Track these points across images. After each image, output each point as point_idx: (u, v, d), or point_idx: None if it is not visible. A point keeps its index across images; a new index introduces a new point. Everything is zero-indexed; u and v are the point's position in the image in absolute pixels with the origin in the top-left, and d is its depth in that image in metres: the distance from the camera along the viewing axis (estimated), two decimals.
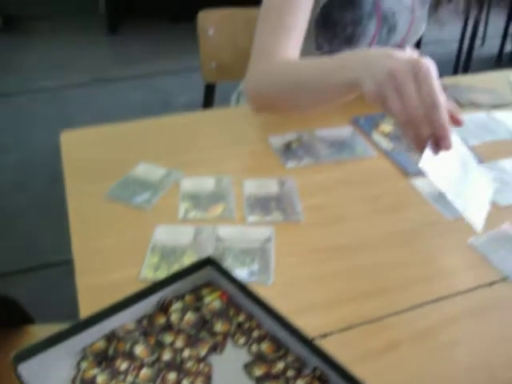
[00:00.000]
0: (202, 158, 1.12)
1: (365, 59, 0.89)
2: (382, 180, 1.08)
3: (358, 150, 1.15)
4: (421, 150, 0.81)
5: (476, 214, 0.89)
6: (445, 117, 0.79)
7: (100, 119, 3.18)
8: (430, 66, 0.81)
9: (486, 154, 1.17)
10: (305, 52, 1.17)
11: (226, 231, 0.92)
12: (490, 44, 4.42)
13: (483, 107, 1.37)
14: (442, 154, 0.82)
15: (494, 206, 1.02)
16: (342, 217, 0.99)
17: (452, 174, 0.85)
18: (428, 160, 0.80)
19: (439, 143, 0.81)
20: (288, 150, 1.13)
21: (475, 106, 1.38)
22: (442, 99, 0.79)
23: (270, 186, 1.03)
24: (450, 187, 0.84)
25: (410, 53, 0.87)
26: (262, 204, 0.99)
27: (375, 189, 1.06)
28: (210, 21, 1.69)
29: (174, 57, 3.98)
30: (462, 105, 1.37)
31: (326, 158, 1.12)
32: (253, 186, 1.03)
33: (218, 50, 1.71)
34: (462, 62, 3.73)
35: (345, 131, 1.21)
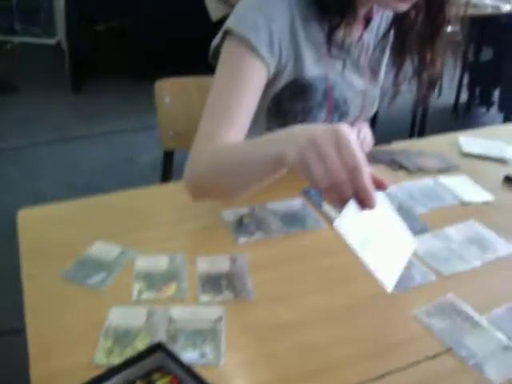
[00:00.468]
0: (156, 234, 1.14)
1: (290, 133, 0.91)
2: (331, 252, 1.11)
3: (308, 223, 1.19)
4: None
5: (388, 274, 0.90)
6: (367, 178, 0.80)
7: (65, 177, 3.23)
8: (351, 132, 0.82)
9: (432, 222, 1.21)
10: (256, 136, 1.18)
11: (178, 312, 0.94)
12: (446, 94, 4.55)
13: (430, 173, 1.42)
14: (363, 214, 0.82)
15: (438, 275, 1.06)
16: (292, 292, 1.01)
17: (370, 235, 0.86)
18: (344, 220, 0.81)
19: (363, 204, 0.82)
20: (240, 225, 1.15)
21: (423, 171, 1.43)
22: (364, 162, 0.81)
23: (222, 264, 1.05)
24: (364, 247, 0.84)
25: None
26: (213, 282, 1.01)
27: (324, 262, 1.09)
28: (165, 90, 1.72)
29: (137, 115, 4.03)
30: (410, 171, 1.42)
31: (277, 232, 1.15)
32: (205, 264, 1.05)
33: (174, 118, 1.74)
34: (419, 114, 3.83)
35: (296, 203, 1.24)
